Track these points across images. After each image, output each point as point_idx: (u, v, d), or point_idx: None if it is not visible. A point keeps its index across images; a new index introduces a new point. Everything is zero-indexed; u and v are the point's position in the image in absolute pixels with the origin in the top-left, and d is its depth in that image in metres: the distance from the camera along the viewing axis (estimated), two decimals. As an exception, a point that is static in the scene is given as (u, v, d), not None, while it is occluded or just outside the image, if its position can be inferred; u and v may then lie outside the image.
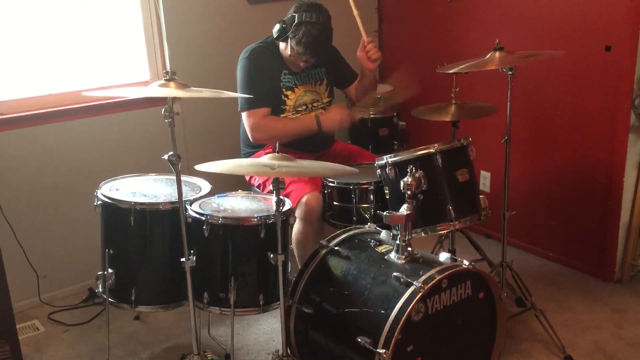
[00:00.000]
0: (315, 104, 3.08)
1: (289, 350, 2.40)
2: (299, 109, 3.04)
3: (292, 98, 3.02)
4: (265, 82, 2.95)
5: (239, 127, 3.12)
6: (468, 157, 2.56)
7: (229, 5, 3.62)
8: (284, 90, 3.00)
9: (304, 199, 2.73)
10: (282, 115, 3.01)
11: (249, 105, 2.94)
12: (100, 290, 2.62)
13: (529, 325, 2.90)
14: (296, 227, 2.76)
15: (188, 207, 2.48)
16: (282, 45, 2.94)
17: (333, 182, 2.82)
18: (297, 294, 2.43)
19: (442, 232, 2.62)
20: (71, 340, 3.00)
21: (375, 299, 2.20)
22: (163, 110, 2.20)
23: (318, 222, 2.75)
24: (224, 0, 3.60)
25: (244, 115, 2.98)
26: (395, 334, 2.05)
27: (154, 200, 2.56)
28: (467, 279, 2.24)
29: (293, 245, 2.79)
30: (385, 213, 2.31)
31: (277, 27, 2.90)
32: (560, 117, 3.35)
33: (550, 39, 3.28)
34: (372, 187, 2.74)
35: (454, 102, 2.86)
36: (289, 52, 2.88)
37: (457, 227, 2.50)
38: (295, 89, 3.02)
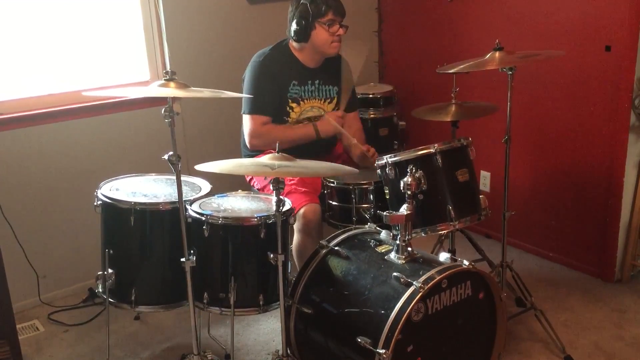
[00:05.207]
0: (317, 119, 3.07)
1: (289, 350, 2.40)
2: (303, 122, 3.04)
3: (296, 111, 3.01)
4: (272, 90, 2.95)
5: (239, 128, 3.11)
6: (468, 157, 2.56)
7: (229, 5, 3.62)
8: (290, 101, 2.99)
9: (301, 211, 2.71)
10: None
11: (251, 109, 2.94)
12: (100, 290, 2.62)
13: (529, 325, 2.90)
14: (295, 239, 2.77)
15: (188, 207, 2.48)
16: (315, 38, 2.91)
17: (333, 182, 2.82)
18: (297, 294, 2.43)
19: (442, 232, 2.63)
20: (71, 340, 3.00)
21: (375, 299, 2.20)
22: (163, 110, 2.20)
23: (317, 232, 2.74)
24: (224, 0, 3.60)
25: (245, 118, 2.98)
26: (395, 334, 2.05)
27: (154, 200, 2.56)
28: (467, 279, 2.24)
29: (294, 256, 2.79)
30: (385, 213, 2.31)
31: (294, 28, 2.88)
32: (560, 117, 3.35)
33: (550, 39, 3.28)
34: (372, 187, 2.74)
35: (454, 102, 2.86)
36: (325, 37, 2.89)
37: (457, 227, 2.50)
38: (301, 102, 3.01)
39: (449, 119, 2.85)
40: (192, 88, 2.26)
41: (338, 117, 3.03)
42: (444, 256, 2.31)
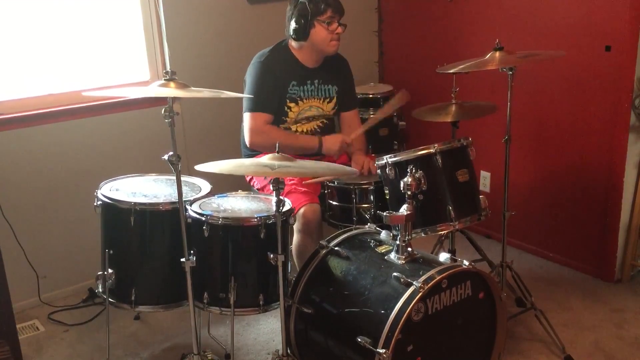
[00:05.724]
0: (316, 118, 3.07)
1: (289, 350, 2.40)
2: (301, 122, 3.04)
3: (294, 110, 3.01)
4: (273, 88, 2.95)
5: (239, 128, 3.12)
6: (468, 157, 2.56)
7: (229, 5, 3.62)
8: (288, 101, 2.99)
9: (301, 211, 2.71)
10: (282, 126, 3.01)
11: (253, 107, 2.94)
12: (100, 290, 2.62)
13: (529, 325, 2.90)
14: (295, 239, 2.77)
15: (188, 207, 2.48)
16: (314, 37, 2.91)
17: (333, 183, 2.82)
18: (297, 294, 2.43)
19: (442, 232, 2.63)
20: (71, 340, 3.00)
21: (375, 299, 2.20)
22: (163, 110, 2.20)
23: (317, 232, 2.74)
24: (224, 0, 3.60)
25: (245, 116, 2.98)
26: (395, 334, 2.05)
27: (154, 200, 2.56)
28: (467, 279, 2.24)
29: (294, 256, 2.79)
30: (385, 213, 2.31)
31: (293, 26, 2.89)
32: (560, 117, 3.35)
33: (550, 39, 3.28)
34: (372, 187, 2.75)
35: (454, 102, 2.86)
36: (324, 35, 2.89)
37: (457, 227, 2.50)
38: (300, 101, 3.01)
39: (449, 119, 2.84)
40: (192, 88, 2.26)
41: (344, 138, 3.01)
42: (444, 256, 2.31)
